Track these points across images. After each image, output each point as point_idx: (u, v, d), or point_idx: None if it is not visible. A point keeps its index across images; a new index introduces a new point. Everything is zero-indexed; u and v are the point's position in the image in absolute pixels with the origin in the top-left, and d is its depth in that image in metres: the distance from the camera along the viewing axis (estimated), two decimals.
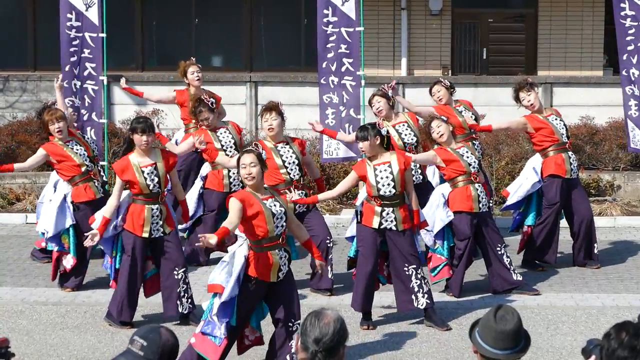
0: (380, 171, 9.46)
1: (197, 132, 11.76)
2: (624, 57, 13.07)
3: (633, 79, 13.01)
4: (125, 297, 9.71)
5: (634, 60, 13.00)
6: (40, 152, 11.02)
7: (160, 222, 9.74)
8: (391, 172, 9.45)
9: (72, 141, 11.08)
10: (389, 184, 9.45)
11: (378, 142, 9.48)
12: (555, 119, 11.61)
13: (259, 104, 17.72)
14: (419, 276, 9.59)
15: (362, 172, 9.56)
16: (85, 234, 9.68)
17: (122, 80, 13.85)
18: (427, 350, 9.07)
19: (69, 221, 10.88)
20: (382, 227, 9.53)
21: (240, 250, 8.16)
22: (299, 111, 15.95)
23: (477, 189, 10.41)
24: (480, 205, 10.43)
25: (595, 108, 16.75)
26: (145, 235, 9.68)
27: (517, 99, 11.69)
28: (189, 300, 9.75)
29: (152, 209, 9.69)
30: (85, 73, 14.10)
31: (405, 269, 9.56)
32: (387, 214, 9.51)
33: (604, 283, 11.14)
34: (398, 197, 9.51)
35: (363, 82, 14.12)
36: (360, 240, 9.67)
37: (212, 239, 7.55)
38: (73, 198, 10.92)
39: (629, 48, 13.04)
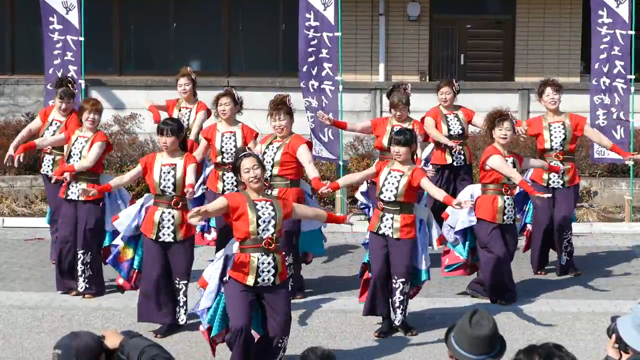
0: (393, 177, 9.34)
1: (209, 128, 11.17)
2: (596, 66, 13.01)
3: (603, 87, 12.98)
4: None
5: (605, 69, 12.97)
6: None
7: (172, 228, 9.46)
8: (399, 182, 9.30)
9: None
10: (391, 191, 9.31)
11: (413, 149, 9.39)
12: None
13: None
14: (404, 292, 9.38)
15: (379, 174, 9.47)
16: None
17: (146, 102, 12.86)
18: (403, 356, 9.07)
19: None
20: (380, 232, 9.40)
21: (227, 248, 8.16)
22: None
23: (505, 201, 10.22)
24: (505, 218, 10.27)
25: None
26: (152, 237, 9.47)
27: (541, 93, 11.51)
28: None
29: (163, 212, 9.45)
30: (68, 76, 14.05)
31: (394, 280, 9.37)
32: (387, 219, 9.36)
33: (580, 289, 11.16)
34: (399, 204, 9.33)
35: (340, 87, 14.16)
36: (369, 245, 9.55)
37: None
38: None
39: (602, 57, 13.01)
